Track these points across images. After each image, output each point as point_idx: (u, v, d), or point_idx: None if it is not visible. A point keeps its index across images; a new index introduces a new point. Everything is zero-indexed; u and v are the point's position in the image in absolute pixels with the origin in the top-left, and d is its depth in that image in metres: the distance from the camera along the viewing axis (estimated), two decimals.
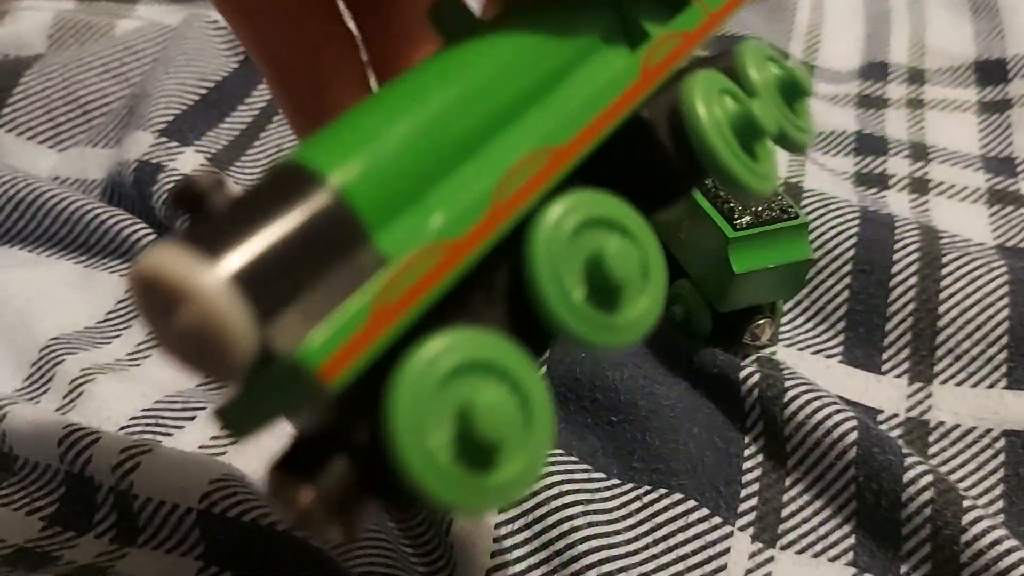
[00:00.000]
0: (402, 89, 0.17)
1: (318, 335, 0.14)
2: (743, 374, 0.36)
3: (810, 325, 0.41)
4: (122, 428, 0.34)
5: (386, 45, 0.23)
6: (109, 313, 0.41)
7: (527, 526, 0.32)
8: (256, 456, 0.35)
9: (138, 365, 0.39)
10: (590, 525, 0.32)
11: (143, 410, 0.36)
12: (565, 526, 0.32)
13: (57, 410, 0.35)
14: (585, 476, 0.34)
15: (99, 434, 0.32)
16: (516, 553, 0.31)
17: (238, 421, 0.16)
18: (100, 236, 0.43)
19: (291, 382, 0.14)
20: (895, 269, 0.41)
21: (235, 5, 0.20)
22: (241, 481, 0.32)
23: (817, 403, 0.35)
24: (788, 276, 0.37)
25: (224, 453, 0.35)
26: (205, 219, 0.14)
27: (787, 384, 0.35)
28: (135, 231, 0.43)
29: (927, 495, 0.32)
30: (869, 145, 0.52)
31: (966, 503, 0.32)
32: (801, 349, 0.40)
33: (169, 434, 0.35)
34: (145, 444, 0.32)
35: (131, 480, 0.31)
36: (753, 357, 0.37)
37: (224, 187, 0.15)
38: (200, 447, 0.35)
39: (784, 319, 0.41)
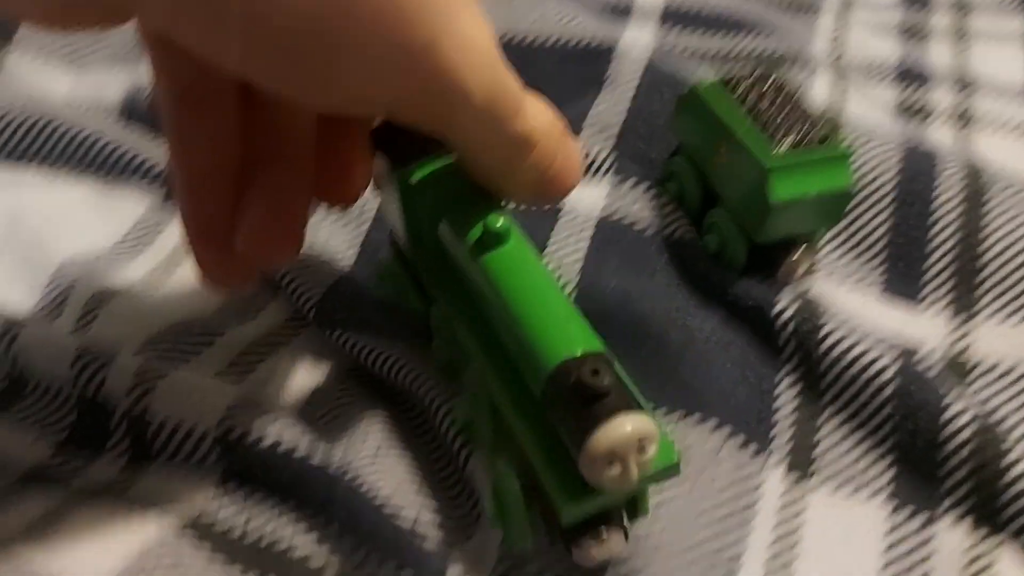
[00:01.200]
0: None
1: None
2: (778, 308, 0.35)
3: (849, 258, 0.39)
4: (137, 353, 0.34)
5: (332, 165, 0.27)
6: (127, 235, 0.40)
7: None
8: (274, 384, 0.34)
9: (156, 290, 0.38)
10: None
11: (159, 334, 0.35)
12: None
13: (71, 333, 0.35)
14: None
15: (113, 357, 0.31)
16: None
17: None
18: (118, 158, 0.42)
19: None
20: (938, 202, 0.39)
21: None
22: (260, 407, 0.31)
23: (854, 339, 0.33)
24: (828, 206, 0.36)
25: (242, 381, 0.34)
26: None
27: (823, 319, 0.34)
28: (151, 156, 0.41)
29: (965, 435, 0.31)
30: (911, 75, 0.50)
31: (1005, 445, 0.31)
32: (839, 282, 0.38)
33: (186, 360, 0.34)
34: (161, 368, 0.31)
35: (146, 404, 0.30)
36: (788, 290, 0.36)
37: None
38: (217, 374, 0.34)
39: (821, 251, 0.39)
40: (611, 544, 0.26)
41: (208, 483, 0.30)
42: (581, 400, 0.24)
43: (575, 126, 0.43)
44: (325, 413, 0.33)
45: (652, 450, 0.24)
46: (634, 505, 0.28)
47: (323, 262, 0.37)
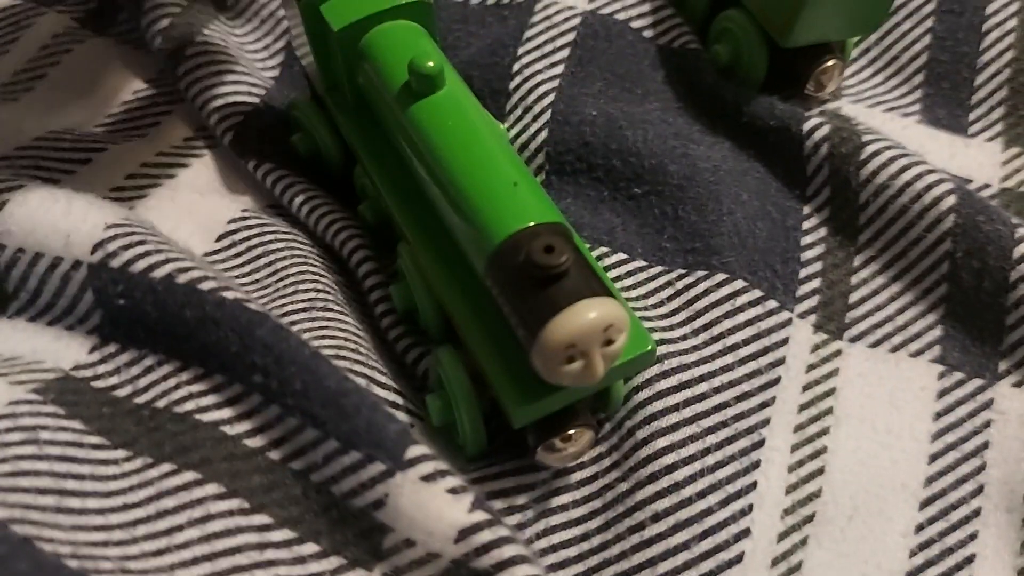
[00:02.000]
0: None
1: None
2: (808, 126, 0.28)
3: (881, 78, 0.32)
4: None
5: None
6: None
7: None
8: (171, 214, 0.26)
9: (15, 99, 0.29)
10: None
11: (17, 149, 0.26)
12: None
13: None
14: (599, 256, 0.27)
15: None
16: None
17: None
18: None
19: None
20: (990, 9, 0.32)
21: None
22: (151, 229, 0.23)
23: (904, 161, 0.27)
24: (867, 7, 0.29)
25: (130, 207, 0.26)
26: None
27: (865, 139, 0.27)
28: None
29: None
30: None
31: None
32: (871, 106, 0.32)
33: (54, 180, 0.26)
34: (14, 180, 0.23)
35: None
36: (818, 109, 0.29)
37: None
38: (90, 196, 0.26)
39: (849, 71, 0.33)
40: (577, 445, 0.22)
41: (81, 330, 0.22)
42: (533, 282, 0.19)
43: None
44: (241, 253, 0.26)
45: (620, 340, 0.20)
46: (603, 398, 0.23)
47: (240, 74, 0.29)
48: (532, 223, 0.20)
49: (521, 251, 0.19)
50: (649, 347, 0.21)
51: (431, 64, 0.22)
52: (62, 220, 0.22)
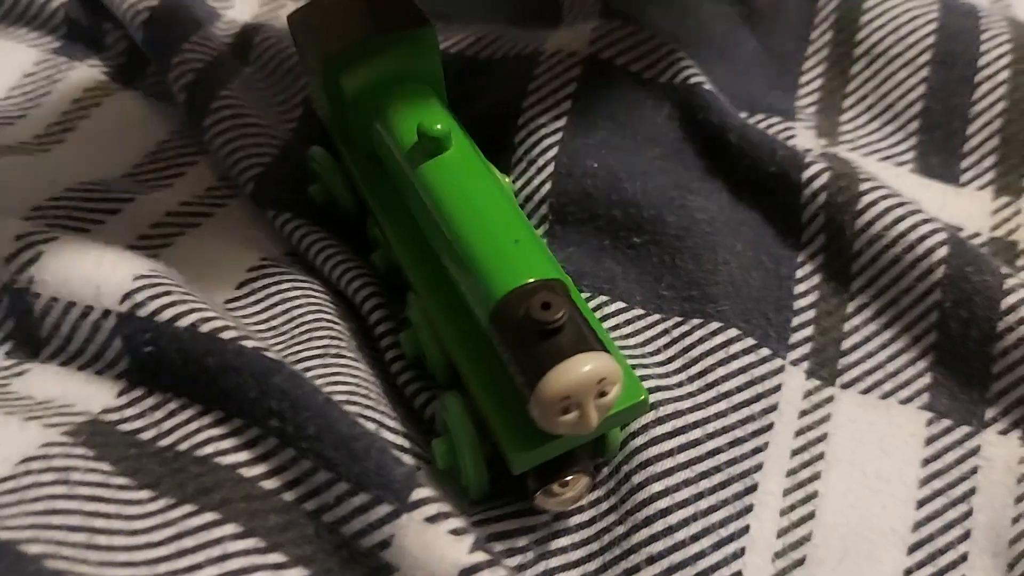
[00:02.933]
0: None
1: None
2: (807, 174, 0.29)
3: (876, 125, 0.34)
4: (24, 219, 0.27)
5: None
6: (13, 89, 0.33)
7: None
8: (195, 263, 0.28)
9: (46, 150, 0.31)
10: None
11: (49, 199, 0.28)
12: None
13: None
14: (599, 305, 0.28)
15: None
16: None
17: None
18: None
19: None
20: (982, 62, 0.33)
21: None
22: (175, 279, 0.24)
23: (899, 211, 0.28)
24: None
25: (155, 255, 0.28)
26: None
27: (863, 187, 0.28)
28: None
29: None
30: None
31: None
32: (867, 154, 0.33)
33: (84, 229, 0.28)
34: (48, 231, 0.25)
35: (30, 275, 0.24)
36: (819, 152, 0.30)
37: None
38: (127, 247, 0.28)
39: (846, 117, 0.34)
40: (575, 490, 0.23)
41: (110, 375, 0.24)
42: (531, 336, 0.20)
43: None
44: (260, 300, 0.27)
45: (614, 392, 0.21)
46: (600, 444, 0.24)
47: (261, 126, 0.30)
48: (531, 280, 0.21)
49: (521, 307, 0.20)
50: (642, 397, 0.22)
51: (439, 127, 0.23)
52: (93, 271, 0.23)
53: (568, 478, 0.23)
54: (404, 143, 0.24)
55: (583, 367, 0.20)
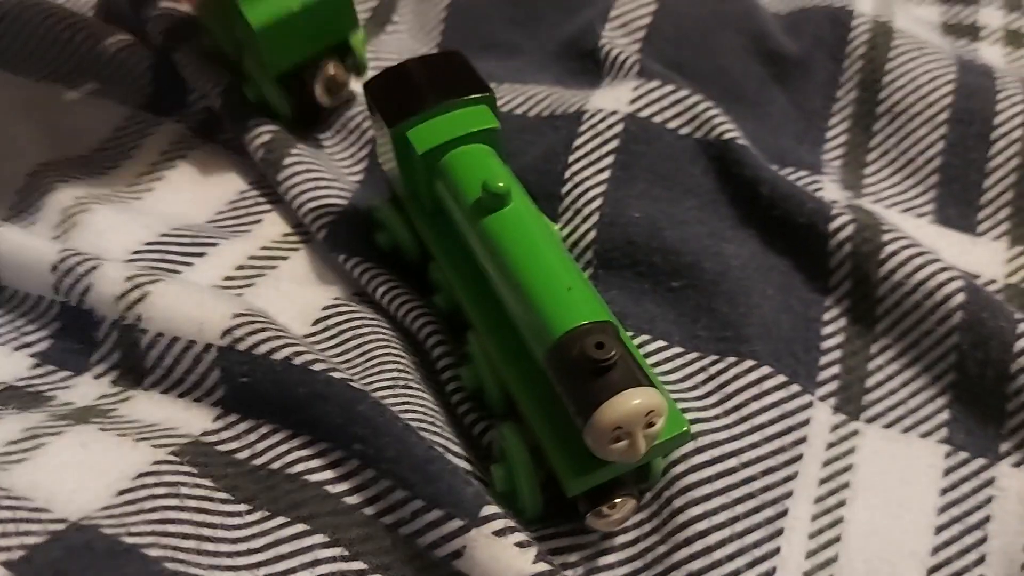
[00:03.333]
0: None
1: None
2: (834, 225, 0.32)
3: (898, 178, 0.36)
4: (126, 261, 0.30)
5: None
6: (107, 142, 0.36)
7: None
8: (277, 301, 0.30)
9: (139, 198, 0.34)
10: None
11: (146, 244, 0.31)
12: None
13: (50, 239, 0.31)
14: (641, 344, 0.31)
15: (100, 260, 0.28)
16: None
17: None
18: (95, 59, 0.38)
19: None
20: (998, 120, 0.36)
21: None
22: (269, 317, 0.27)
23: (920, 260, 0.30)
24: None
25: (240, 294, 0.31)
26: None
27: (886, 238, 0.31)
28: (134, 55, 0.37)
29: None
30: None
31: None
32: (888, 206, 0.35)
33: (176, 271, 0.31)
34: (155, 273, 0.28)
35: (138, 313, 0.27)
36: (845, 204, 0.33)
37: None
38: (213, 287, 0.31)
39: (869, 171, 0.36)
40: (622, 512, 0.26)
41: (207, 402, 0.27)
42: (585, 374, 0.23)
43: (596, 24, 0.39)
44: (334, 336, 0.30)
45: (660, 423, 0.23)
46: (645, 471, 0.27)
47: (330, 180, 0.33)
48: (584, 322, 0.24)
49: (575, 346, 0.23)
50: (684, 428, 0.25)
51: (501, 185, 0.26)
52: (195, 310, 0.27)
53: (616, 500, 0.25)
54: (468, 198, 0.27)
55: (633, 400, 0.22)
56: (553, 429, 0.25)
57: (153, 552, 0.21)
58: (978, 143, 0.36)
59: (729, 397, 0.29)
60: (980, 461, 0.28)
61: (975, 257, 0.34)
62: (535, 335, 0.25)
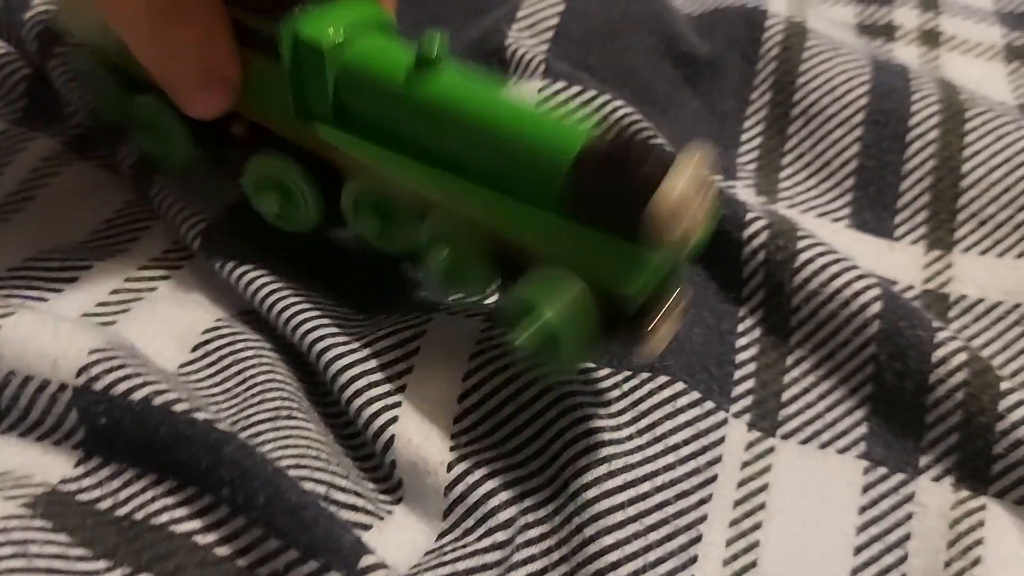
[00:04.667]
0: None
1: None
2: (747, 232, 0.30)
3: (813, 182, 0.35)
4: None
5: None
6: None
7: (486, 416, 0.26)
8: (150, 328, 0.28)
9: (6, 220, 0.31)
10: (562, 415, 0.27)
11: (9, 269, 0.29)
12: (534, 418, 0.26)
13: None
14: None
15: None
16: (476, 446, 0.26)
17: None
18: None
19: None
20: (913, 121, 0.35)
21: None
22: (131, 352, 0.25)
23: (836, 267, 0.29)
24: None
25: (113, 323, 0.28)
26: None
27: (801, 244, 0.30)
28: (7, 65, 0.35)
29: (960, 377, 0.27)
30: None
31: (1004, 385, 0.27)
32: (804, 211, 0.34)
33: (43, 299, 0.28)
34: (7, 305, 0.25)
35: None
36: (759, 210, 0.31)
37: None
38: (84, 315, 0.28)
39: (784, 174, 0.35)
40: (673, 325, 0.25)
41: (67, 445, 0.24)
42: (629, 165, 0.22)
43: (503, 24, 0.37)
44: (214, 363, 0.27)
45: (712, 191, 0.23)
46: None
47: (208, 183, 0.31)
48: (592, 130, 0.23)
49: (603, 147, 0.22)
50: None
51: (438, 46, 0.24)
52: (50, 345, 0.24)
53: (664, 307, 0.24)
54: (398, 74, 0.24)
55: (689, 166, 0.21)
56: (586, 253, 0.23)
57: None
58: (893, 144, 0.35)
59: (643, 415, 0.28)
60: (899, 476, 0.27)
61: (892, 263, 0.33)
62: (537, 167, 0.23)
